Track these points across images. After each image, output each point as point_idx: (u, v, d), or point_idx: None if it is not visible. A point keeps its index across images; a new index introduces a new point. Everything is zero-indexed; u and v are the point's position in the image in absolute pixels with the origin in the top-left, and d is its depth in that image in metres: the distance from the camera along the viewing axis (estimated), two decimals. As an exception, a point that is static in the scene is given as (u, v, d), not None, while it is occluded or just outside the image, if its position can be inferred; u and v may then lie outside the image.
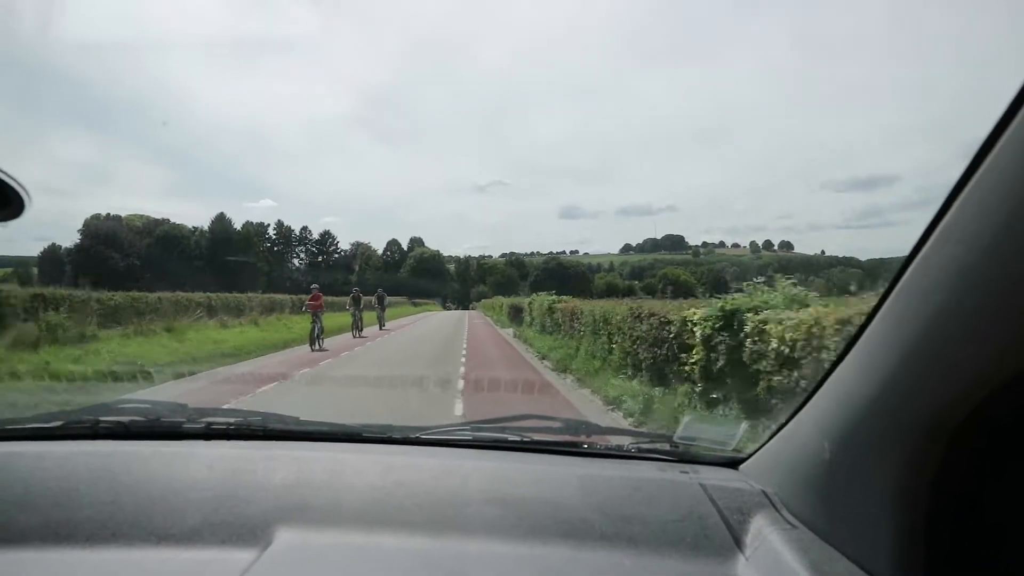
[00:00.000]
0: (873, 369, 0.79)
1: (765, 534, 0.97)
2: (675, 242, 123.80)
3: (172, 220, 66.45)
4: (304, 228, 79.03)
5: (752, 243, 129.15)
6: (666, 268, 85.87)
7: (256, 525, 1.03)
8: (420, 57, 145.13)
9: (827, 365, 0.94)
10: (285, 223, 78.30)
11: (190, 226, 65.46)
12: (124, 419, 1.42)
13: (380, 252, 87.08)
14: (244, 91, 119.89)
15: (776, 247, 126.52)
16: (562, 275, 72.67)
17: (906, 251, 0.71)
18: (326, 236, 79.79)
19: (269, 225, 77.10)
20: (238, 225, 69.07)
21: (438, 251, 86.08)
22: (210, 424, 1.41)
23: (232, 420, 1.46)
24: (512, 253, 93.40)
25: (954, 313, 0.64)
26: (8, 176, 0.84)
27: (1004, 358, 0.59)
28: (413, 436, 1.43)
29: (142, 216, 66.39)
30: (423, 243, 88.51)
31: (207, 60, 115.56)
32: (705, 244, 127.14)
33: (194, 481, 1.15)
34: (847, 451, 0.85)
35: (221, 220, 66.73)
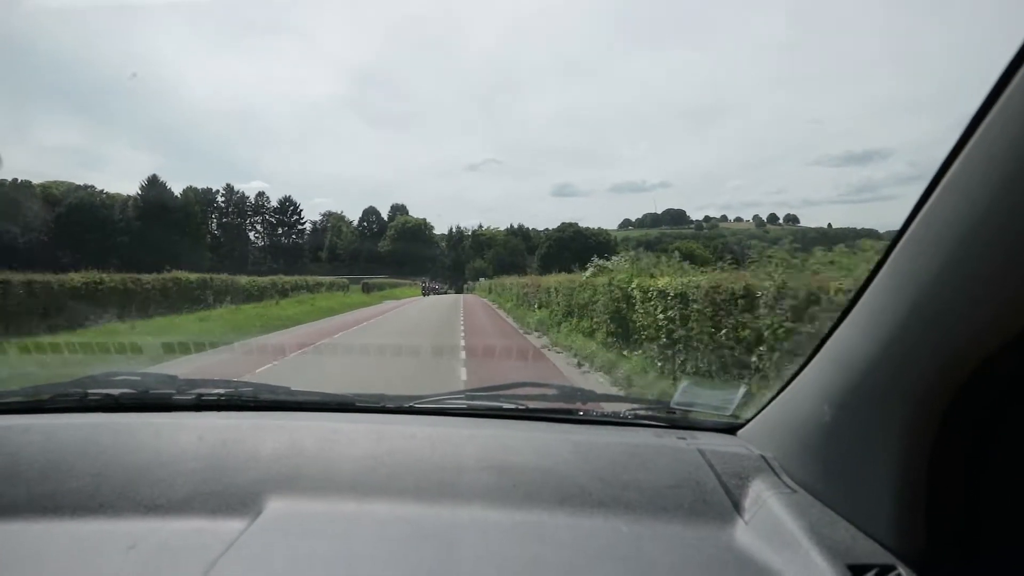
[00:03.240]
0: (872, 331, 0.80)
1: (764, 498, 0.99)
2: (676, 216, 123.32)
3: (99, 187, 56.50)
4: (260, 194, 68.96)
5: (755, 217, 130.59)
6: (678, 242, 78.58)
7: (246, 495, 1.04)
8: (411, 36, 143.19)
9: (827, 328, 0.94)
10: (236, 187, 68.12)
11: (124, 193, 55.49)
12: (113, 391, 1.43)
13: (355, 223, 77.44)
14: (232, 71, 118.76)
15: (781, 220, 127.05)
16: (581, 246, 63.18)
17: (896, 224, 0.73)
18: (286, 203, 69.02)
19: (218, 192, 67.00)
20: (178, 190, 59.05)
21: (424, 219, 75.22)
22: (200, 395, 1.43)
23: (223, 391, 1.46)
24: (512, 226, 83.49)
25: (953, 273, 0.65)
26: None
27: (1004, 318, 0.61)
28: (407, 405, 1.44)
29: (62, 183, 56.12)
30: (407, 211, 78.66)
31: (194, 39, 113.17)
32: (708, 219, 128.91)
33: (183, 452, 1.16)
34: (846, 414, 0.87)
35: (154, 185, 56.35)
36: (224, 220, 66.38)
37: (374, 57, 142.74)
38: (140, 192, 56.09)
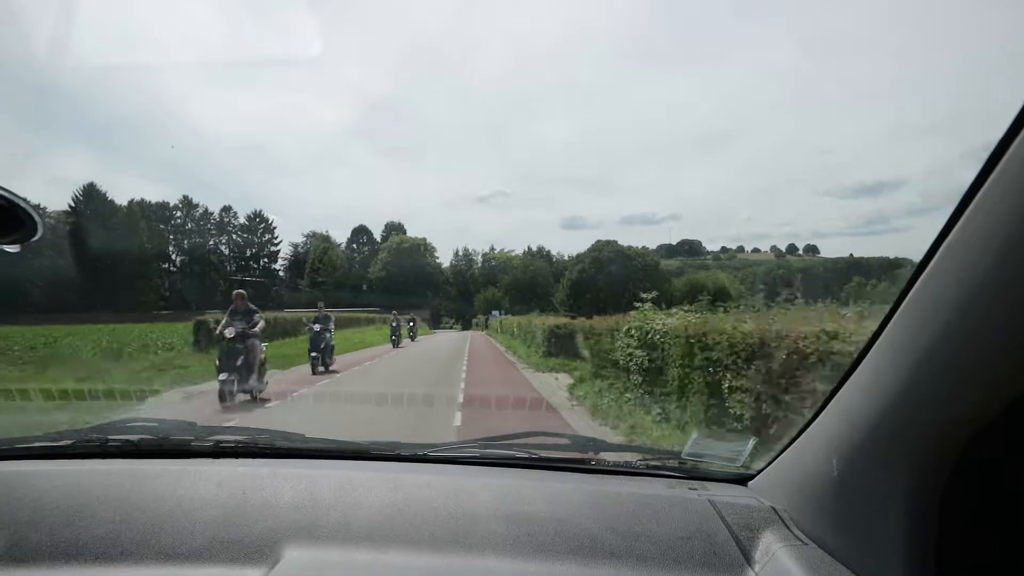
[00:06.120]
0: (881, 384, 0.81)
1: (774, 551, 1.01)
2: (692, 247, 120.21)
3: (35, 202, 47.62)
4: (226, 209, 58.95)
5: (774, 247, 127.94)
6: (701, 273, 69.91)
7: (264, 543, 1.08)
8: (420, 69, 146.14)
9: (836, 381, 0.97)
10: (194, 199, 58.29)
11: (56, 210, 46.64)
12: (133, 437, 1.49)
13: (343, 245, 68.36)
14: (245, 108, 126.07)
15: (801, 251, 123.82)
16: (623, 270, 53.26)
17: (911, 256, 0.77)
18: (256, 219, 59.77)
19: (176, 208, 57.81)
20: (124, 201, 50.03)
21: (424, 239, 65.09)
22: (218, 442, 1.48)
23: (240, 438, 1.52)
24: (531, 248, 73.29)
25: (964, 326, 0.65)
26: (20, 200, 0.94)
27: (1014, 371, 0.61)
28: (421, 453, 1.48)
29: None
30: (404, 230, 68.92)
31: (208, 78, 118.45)
32: (725, 249, 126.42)
33: (202, 499, 1.20)
34: (856, 467, 0.89)
35: (92, 197, 47.48)
36: (185, 241, 57.20)
37: (384, 91, 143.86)
38: (72, 207, 46.89)
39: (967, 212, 0.63)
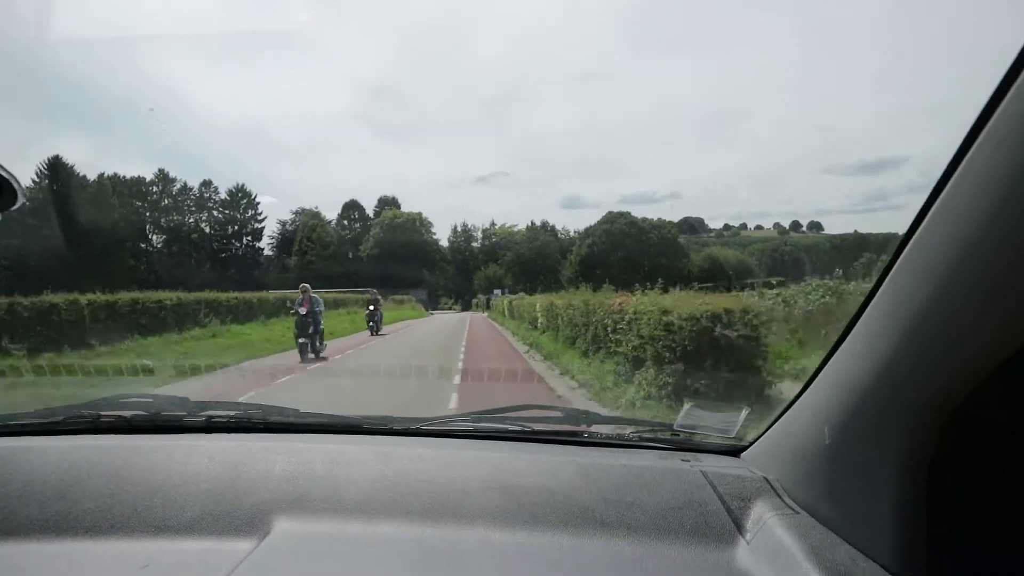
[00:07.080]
0: (871, 353, 0.82)
1: (766, 520, 1.03)
2: (694, 224, 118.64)
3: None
4: (206, 183, 55.02)
5: (776, 224, 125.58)
6: (708, 249, 66.45)
7: (255, 516, 1.10)
8: (419, 48, 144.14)
9: (827, 350, 0.98)
10: (171, 174, 54.28)
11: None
12: (126, 413, 1.51)
13: (334, 222, 64.71)
14: (241, 87, 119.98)
15: (805, 228, 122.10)
16: (638, 244, 49.86)
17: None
18: (237, 194, 55.77)
19: (152, 183, 53.83)
20: (93, 176, 46.29)
21: (420, 214, 60.96)
22: (211, 418, 1.48)
23: (232, 413, 1.52)
24: (534, 223, 69.20)
25: (951, 293, 0.67)
26: (2, 168, 0.95)
27: (1003, 337, 0.62)
28: (413, 427, 1.49)
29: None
30: (398, 205, 64.88)
31: (202, 57, 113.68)
32: (727, 227, 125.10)
33: (194, 473, 1.21)
34: (847, 436, 0.90)
35: (57, 171, 43.76)
36: (162, 219, 53.50)
37: (383, 70, 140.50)
38: (35, 181, 43.16)
39: (954, 177, 0.64)
